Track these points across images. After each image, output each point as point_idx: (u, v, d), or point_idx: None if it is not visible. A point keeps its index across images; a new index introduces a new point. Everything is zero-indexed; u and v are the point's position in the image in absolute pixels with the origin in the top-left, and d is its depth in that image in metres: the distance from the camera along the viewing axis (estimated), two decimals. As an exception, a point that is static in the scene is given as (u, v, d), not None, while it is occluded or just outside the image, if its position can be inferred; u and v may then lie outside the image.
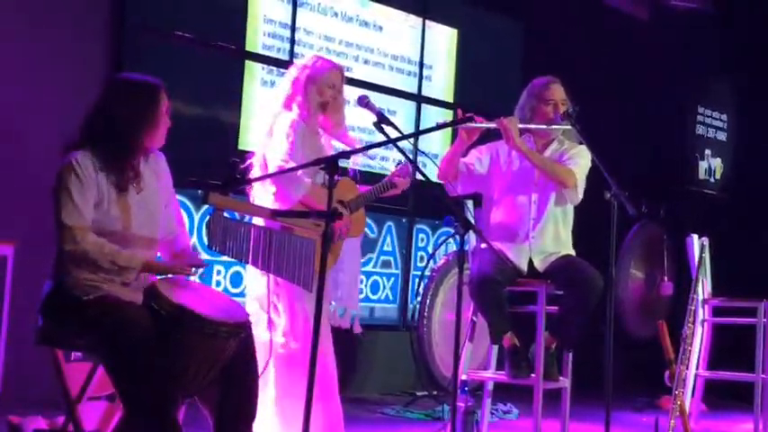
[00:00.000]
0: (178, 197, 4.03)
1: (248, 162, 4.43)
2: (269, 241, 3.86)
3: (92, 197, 3.54)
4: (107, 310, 3.46)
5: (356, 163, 4.63)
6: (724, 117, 9.48)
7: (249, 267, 4.41)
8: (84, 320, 3.49)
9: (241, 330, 3.58)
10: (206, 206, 5.34)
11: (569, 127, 5.01)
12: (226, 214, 3.90)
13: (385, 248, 7.35)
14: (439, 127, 4.64)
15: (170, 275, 3.71)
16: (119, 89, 3.74)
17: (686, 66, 8.84)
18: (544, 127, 5.06)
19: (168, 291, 3.52)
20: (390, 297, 7.38)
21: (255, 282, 4.40)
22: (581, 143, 5.06)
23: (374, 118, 4.18)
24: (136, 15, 5.85)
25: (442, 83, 7.80)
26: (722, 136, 9.47)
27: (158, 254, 3.83)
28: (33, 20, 5.41)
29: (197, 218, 6.11)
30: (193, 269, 3.78)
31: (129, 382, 3.37)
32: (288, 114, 4.44)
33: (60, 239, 3.51)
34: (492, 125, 4.91)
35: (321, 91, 4.45)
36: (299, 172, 4.21)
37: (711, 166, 9.33)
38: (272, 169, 4.29)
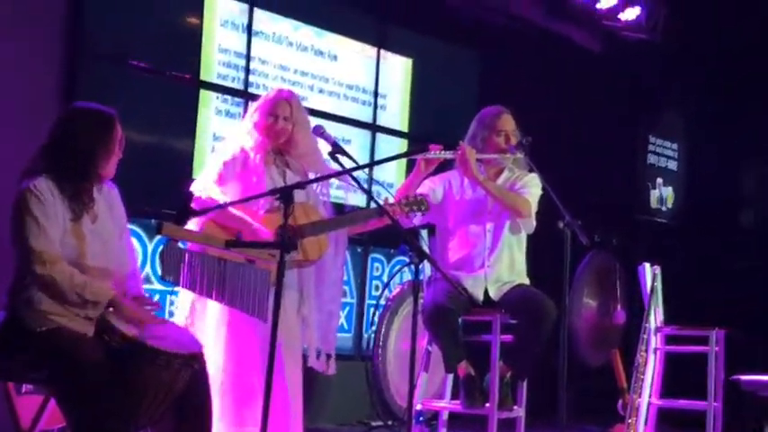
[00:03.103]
0: (131, 226, 4.00)
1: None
2: (223, 272, 3.85)
3: (55, 221, 3.52)
4: (59, 342, 3.43)
5: (323, 193, 4.59)
6: (675, 146, 9.58)
7: None
8: (36, 353, 3.45)
9: (194, 361, 3.57)
10: (159, 236, 5.32)
11: (521, 156, 5.06)
12: (180, 245, 3.89)
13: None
14: (396, 157, 4.67)
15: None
16: (74, 117, 3.74)
17: (638, 96, 8.94)
18: (498, 156, 5.10)
19: (120, 323, 3.50)
20: (345, 326, 7.36)
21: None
22: (531, 171, 5.11)
23: (329, 148, 4.19)
24: (90, 43, 5.82)
25: (396, 112, 7.83)
26: (673, 165, 9.57)
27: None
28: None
29: (150, 247, 6.07)
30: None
31: (81, 414, 3.34)
32: (231, 140, 4.47)
33: (30, 263, 3.46)
34: (450, 155, 4.94)
35: (262, 119, 4.44)
36: (210, 195, 4.21)
37: (663, 195, 9.43)
38: (192, 188, 4.29)
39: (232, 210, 4.21)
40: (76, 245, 3.58)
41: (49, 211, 3.51)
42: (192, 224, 4.21)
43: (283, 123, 4.44)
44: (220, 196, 4.26)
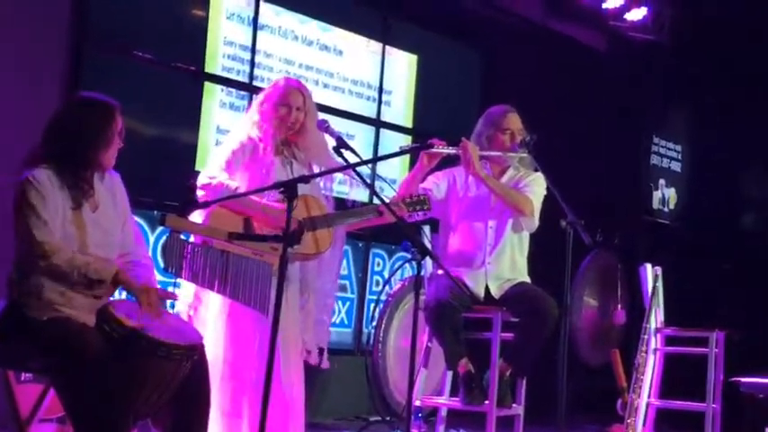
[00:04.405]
0: (134, 218, 4.00)
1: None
2: (225, 264, 3.85)
3: (55, 211, 3.53)
4: (60, 331, 3.43)
5: (326, 188, 4.60)
6: (678, 148, 9.58)
7: None
8: (36, 341, 3.46)
9: (194, 352, 3.57)
10: (162, 227, 5.32)
11: (526, 155, 5.05)
12: (182, 236, 3.89)
13: (341, 272, 7.33)
14: (400, 153, 4.67)
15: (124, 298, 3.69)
16: (75, 106, 3.77)
17: (642, 96, 8.93)
18: (501, 154, 5.10)
19: (121, 313, 3.50)
20: (345, 321, 7.37)
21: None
22: (536, 170, 5.11)
23: (333, 142, 4.19)
24: (96, 34, 5.82)
25: (400, 108, 7.83)
26: (676, 166, 9.56)
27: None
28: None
29: (152, 239, 6.07)
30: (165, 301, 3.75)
31: (80, 404, 3.34)
32: (240, 130, 4.45)
33: (33, 255, 3.47)
34: (453, 151, 4.94)
35: (276, 110, 4.44)
36: (220, 181, 4.21)
37: (665, 195, 9.42)
38: (203, 176, 4.29)
39: (253, 197, 4.20)
40: (77, 234, 3.58)
41: (49, 201, 3.52)
42: (200, 211, 4.22)
43: (296, 113, 4.44)
44: (230, 182, 4.25)
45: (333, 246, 4.46)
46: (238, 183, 4.30)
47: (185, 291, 4.35)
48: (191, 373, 3.55)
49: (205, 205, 4.12)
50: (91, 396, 3.31)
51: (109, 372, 3.34)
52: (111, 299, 3.71)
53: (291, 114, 4.43)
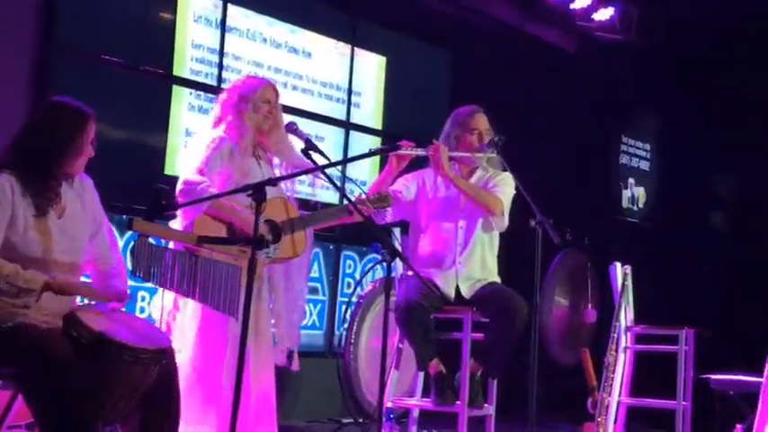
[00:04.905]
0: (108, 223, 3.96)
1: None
2: (194, 268, 3.84)
3: (4, 220, 3.48)
4: (25, 338, 3.41)
5: (288, 189, 4.58)
6: (647, 147, 9.64)
7: None
8: (3, 348, 3.43)
9: (162, 357, 3.55)
10: (131, 232, 5.30)
11: (494, 155, 5.07)
12: (150, 240, 3.88)
13: (312, 274, 7.33)
14: (369, 154, 4.67)
15: (91, 302, 3.66)
16: (48, 112, 3.71)
17: (611, 96, 8.98)
18: (470, 155, 5.11)
19: (88, 318, 3.48)
20: (317, 323, 7.36)
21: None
22: (505, 170, 5.13)
23: (302, 144, 4.18)
24: (63, 38, 5.79)
25: (370, 110, 7.83)
26: (645, 165, 9.62)
27: (89, 281, 3.77)
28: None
29: (121, 243, 6.04)
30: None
31: (48, 410, 3.31)
32: (213, 131, 4.41)
33: None
34: (422, 152, 4.95)
35: (257, 107, 4.40)
36: (204, 185, 4.17)
37: (635, 194, 9.47)
38: (179, 183, 4.25)
39: (222, 201, 4.16)
40: (41, 240, 3.54)
41: (0, 208, 3.47)
42: (178, 220, 4.19)
43: (274, 109, 4.43)
44: (211, 190, 4.18)
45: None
46: (216, 187, 4.26)
47: (166, 296, 4.32)
48: (159, 377, 3.53)
49: (172, 208, 4.09)
50: (59, 402, 3.28)
51: (77, 377, 3.32)
52: (80, 303, 3.68)
53: (273, 110, 4.42)
